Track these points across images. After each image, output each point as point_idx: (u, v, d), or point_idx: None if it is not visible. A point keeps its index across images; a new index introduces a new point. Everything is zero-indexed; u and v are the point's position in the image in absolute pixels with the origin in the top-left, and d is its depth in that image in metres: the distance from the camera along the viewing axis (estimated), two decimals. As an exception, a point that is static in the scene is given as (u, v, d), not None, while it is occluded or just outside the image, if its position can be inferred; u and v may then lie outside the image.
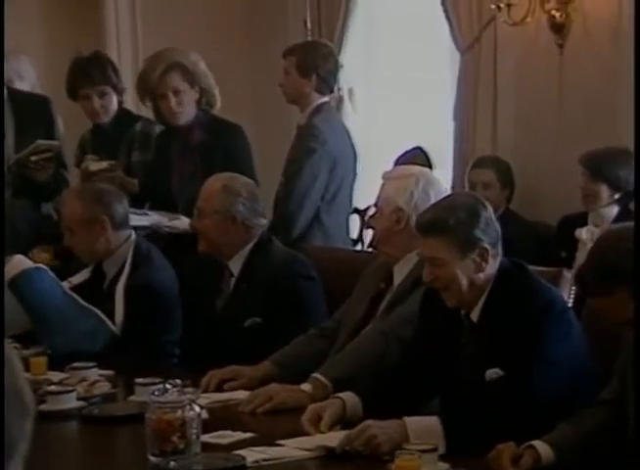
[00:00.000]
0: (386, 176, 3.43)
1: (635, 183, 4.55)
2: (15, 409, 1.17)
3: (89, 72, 4.70)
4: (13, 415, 1.17)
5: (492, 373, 2.75)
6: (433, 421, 2.63)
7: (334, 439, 2.67)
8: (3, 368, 1.13)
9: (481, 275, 2.82)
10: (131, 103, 5.14)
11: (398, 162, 5.63)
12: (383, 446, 2.58)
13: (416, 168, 3.50)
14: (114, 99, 4.74)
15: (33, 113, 4.59)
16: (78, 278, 3.90)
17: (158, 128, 4.73)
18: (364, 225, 5.51)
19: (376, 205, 3.42)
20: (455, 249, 2.80)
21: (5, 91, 4.55)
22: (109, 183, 4.48)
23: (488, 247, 2.81)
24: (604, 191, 4.68)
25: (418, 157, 5.63)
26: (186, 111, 4.47)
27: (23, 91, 4.94)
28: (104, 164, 4.58)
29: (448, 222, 2.79)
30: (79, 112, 4.89)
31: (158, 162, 4.58)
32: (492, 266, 2.83)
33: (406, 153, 5.68)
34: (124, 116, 4.80)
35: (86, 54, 4.82)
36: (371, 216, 3.50)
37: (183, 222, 4.35)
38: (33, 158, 4.44)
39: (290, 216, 4.57)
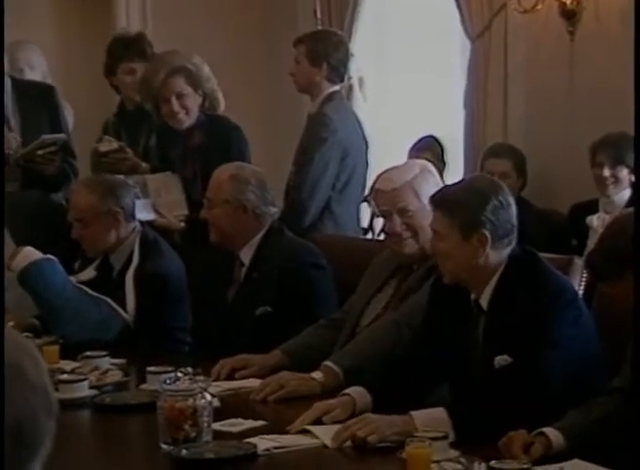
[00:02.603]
0: (405, 179, 3.30)
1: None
2: (43, 407, 1.17)
3: (139, 48, 4.78)
4: (41, 413, 1.17)
5: (501, 360, 2.75)
6: (440, 413, 2.63)
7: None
8: (3, 364, 1.13)
9: (481, 260, 2.81)
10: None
11: (412, 150, 5.64)
12: (381, 428, 2.58)
13: (417, 161, 3.46)
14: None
15: (38, 101, 4.60)
16: (85, 275, 3.90)
17: None
18: (375, 214, 5.51)
19: (404, 210, 3.29)
20: (457, 228, 2.82)
21: (9, 81, 4.55)
22: (119, 165, 4.50)
23: (488, 235, 2.80)
24: (625, 176, 4.70)
25: (432, 145, 5.63)
26: (190, 114, 4.47)
27: (28, 80, 4.95)
28: (114, 145, 4.57)
29: (457, 201, 2.82)
30: (91, 101, 4.90)
31: (158, 164, 4.58)
32: (493, 257, 2.82)
33: (420, 141, 5.68)
34: None
35: (131, 33, 4.93)
36: (400, 226, 3.32)
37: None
38: (39, 152, 4.45)
39: (301, 206, 4.57)
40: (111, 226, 3.86)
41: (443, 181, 3.80)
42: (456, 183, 3.01)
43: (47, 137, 4.46)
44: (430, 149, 5.58)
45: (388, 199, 3.34)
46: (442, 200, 2.88)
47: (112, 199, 3.86)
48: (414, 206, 3.29)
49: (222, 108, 4.60)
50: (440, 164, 5.54)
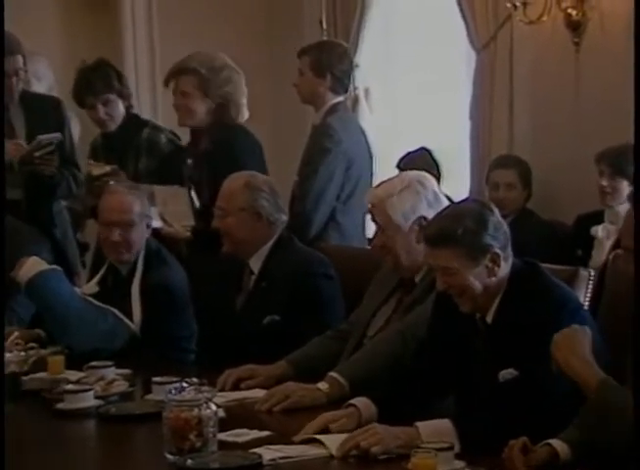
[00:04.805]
0: (385, 195, 3.32)
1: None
2: None
3: (92, 82, 4.76)
4: None
5: (506, 374, 2.75)
6: (445, 424, 2.63)
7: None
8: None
9: (494, 279, 2.82)
10: (140, 107, 5.17)
11: (402, 162, 5.60)
12: (385, 440, 2.58)
13: (409, 174, 3.43)
14: (120, 105, 4.80)
15: (44, 114, 4.63)
16: (89, 289, 3.91)
17: (164, 136, 4.78)
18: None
19: (382, 228, 3.33)
20: (466, 257, 2.80)
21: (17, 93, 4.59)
22: None
23: (499, 251, 2.81)
24: (625, 188, 4.70)
25: (423, 157, 5.58)
26: (191, 116, 4.50)
27: (35, 93, 4.99)
28: (106, 169, 4.62)
29: (457, 232, 2.79)
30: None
31: (167, 168, 4.64)
32: (504, 269, 2.83)
33: (410, 153, 5.66)
34: (132, 120, 4.84)
35: (89, 63, 4.86)
36: (379, 241, 3.37)
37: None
38: (37, 153, 4.48)
39: (306, 216, 4.58)
40: (143, 236, 3.87)
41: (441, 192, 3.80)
42: (441, 215, 2.93)
43: (43, 138, 4.49)
44: (416, 163, 5.45)
45: (372, 213, 3.39)
46: (440, 236, 2.83)
47: (145, 209, 3.89)
48: (387, 225, 3.31)
49: (246, 116, 4.59)
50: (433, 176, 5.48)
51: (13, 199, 4.48)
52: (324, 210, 4.61)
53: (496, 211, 2.88)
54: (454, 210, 2.93)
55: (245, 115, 4.59)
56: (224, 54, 4.64)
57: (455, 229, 2.79)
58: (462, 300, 2.84)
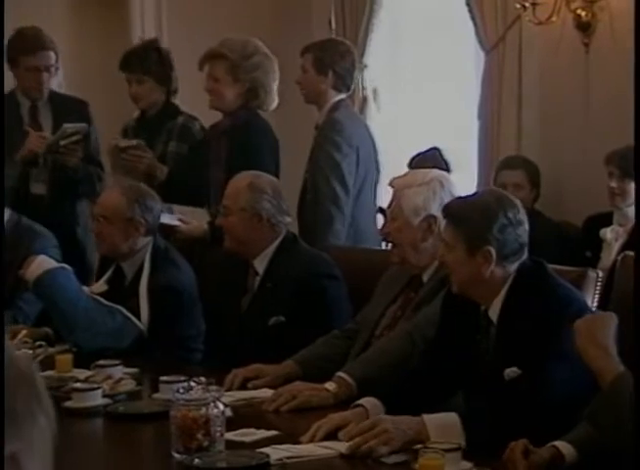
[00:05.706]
0: (403, 184, 3.35)
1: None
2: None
3: (129, 59, 4.84)
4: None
5: (510, 372, 2.76)
6: (451, 417, 2.63)
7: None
8: (3, 368, 1.14)
9: (486, 275, 2.81)
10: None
11: (413, 161, 5.61)
12: (394, 441, 2.58)
13: (433, 172, 3.44)
14: (155, 89, 4.82)
15: (71, 115, 4.69)
16: (97, 288, 3.91)
17: (198, 123, 4.81)
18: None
19: (392, 216, 3.36)
20: (463, 243, 2.82)
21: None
22: (137, 162, 4.57)
23: (493, 252, 2.79)
24: (633, 189, 4.69)
25: (434, 157, 5.58)
26: (221, 100, 4.52)
27: (64, 94, 5.08)
28: (133, 142, 4.67)
29: (463, 216, 2.83)
30: (108, 111, 4.98)
31: (195, 155, 4.71)
32: (499, 271, 2.82)
33: (421, 153, 5.66)
34: (169, 108, 4.88)
35: (146, 40, 5.05)
36: (388, 228, 3.40)
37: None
38: (62, 142, 4.52)
39: (329, 225, 4.60)
40: (128, 235, 3.86)
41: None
42: (470, 195, 3.00)
43: (69, 126, 4.55)
44: (427, 162, 5.46)
45: (391, 196, 3.39)
46: (452, 211, 2.90)
47: (139, 208, 3.87)
48: (396, 214, 3.33)
49: (275, 102, 4.59)
50: None
51: (36, 193, 4.52)
52: (344, 208, 4.63)
53: (516, 214, 2.82)
54: (476, 196, 2.98)
55: (275, 100, 4.60)
56: (257, 40, 4.64)
57: (462, 214, 2.83)
58: (451, 278, 2.89)
